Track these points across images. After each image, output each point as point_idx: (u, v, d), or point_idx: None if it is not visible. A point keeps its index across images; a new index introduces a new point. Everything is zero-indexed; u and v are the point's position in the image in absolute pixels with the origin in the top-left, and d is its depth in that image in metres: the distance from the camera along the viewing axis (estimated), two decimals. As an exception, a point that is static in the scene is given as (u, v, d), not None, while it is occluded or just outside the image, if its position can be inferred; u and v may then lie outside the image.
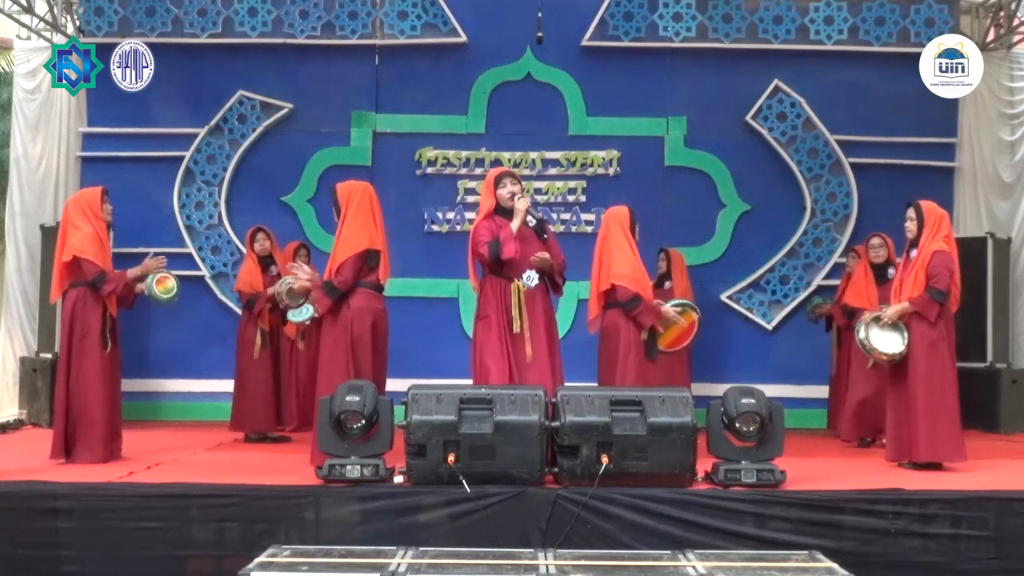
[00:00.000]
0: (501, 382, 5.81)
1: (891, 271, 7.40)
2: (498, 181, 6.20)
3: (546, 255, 6.08)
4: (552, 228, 8.98)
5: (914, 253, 6.27)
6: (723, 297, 9.10)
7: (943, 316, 6.14)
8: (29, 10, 8.71)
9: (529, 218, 6.16)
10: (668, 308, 6.43)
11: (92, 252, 6.11)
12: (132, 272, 6.34)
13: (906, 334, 6.16)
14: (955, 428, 6.05)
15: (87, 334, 6.09)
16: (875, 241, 7.76)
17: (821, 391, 8.64)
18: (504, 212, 6.13)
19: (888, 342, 6.23)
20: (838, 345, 8.18)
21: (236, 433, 7.59)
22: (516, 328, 6.00)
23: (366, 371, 5.76)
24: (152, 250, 8.83)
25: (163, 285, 6.41)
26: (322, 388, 5.69)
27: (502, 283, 6.09)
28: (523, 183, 6.36)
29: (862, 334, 6.28)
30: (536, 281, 6.08)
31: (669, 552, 4.52)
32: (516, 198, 6.11)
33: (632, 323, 6.14)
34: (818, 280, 9.08)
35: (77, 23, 9.11)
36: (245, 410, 7.55)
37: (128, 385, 8.62)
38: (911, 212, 6.38)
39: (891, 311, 6.22)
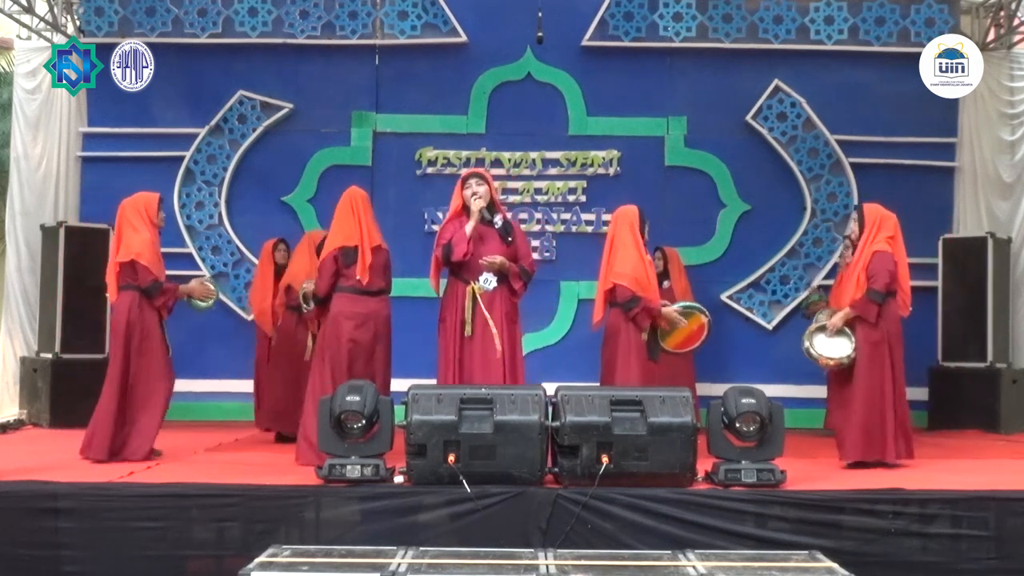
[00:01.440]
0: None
1: None
2: (465, 181, 6.18)
3: (497, 258, 5.99)
4: (552, 228, 9.06)
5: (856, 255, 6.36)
6: (723, 297, 9.10)
7: (885, 317, 6.18)
8: (29, 10, 8.71)
9: (497, 219, 6.11)
10: (670, 309, 6.41)
11: (149, 258, 6.19)
12: (183, 289, 6.50)
13: (853, 338, 6.23)
14: (899, 427, 6.15)
15: (147, 336, 6.19)
16: (845, 243, 7.87)
17: (821, 391, 8.62)
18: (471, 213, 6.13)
19: (834, 347, 6.31)
20: None
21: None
22: (467, 332, 5.96)
23: (346, 376, 5.75)
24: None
25: (204, 300, 6.67)
26: (310, 394, 5.87)
27: (459, 285, 6.07)
28: (493, 183, 6.30)
29: (805, 344, 6.38)
30: (494, 284, 6.00)
31: (669, 552, 4.52)
32: (473, 199, 6.07)
33: (632, 324, 6.13)
34: (818, 280, 9.07)
35: (77, 23, 9.11)
36: (285, 411, 7.49)
37: (128, 385, 8.66)
38: (854, 214, 6.50)
39: (835, 319, 6.30)
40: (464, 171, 6.62)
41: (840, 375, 6.38)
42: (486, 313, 5.95)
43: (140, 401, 6.12)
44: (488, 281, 5.99)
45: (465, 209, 6.14)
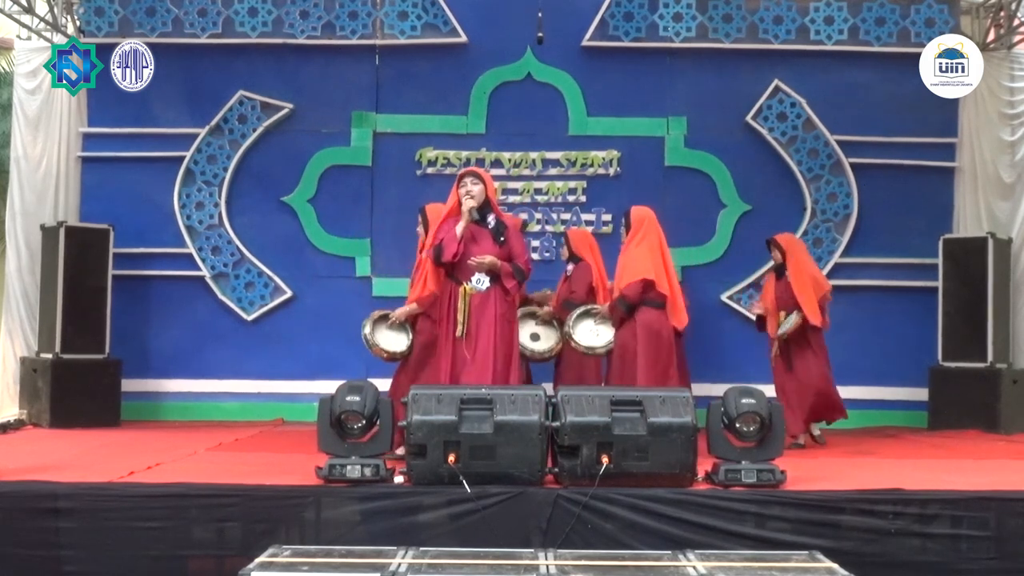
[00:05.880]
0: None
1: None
2: (460, 180, 6.16)
3: (486, 258, 5.94)
4: (552, 228, 9.05)
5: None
6: (723, 297, 9.09)
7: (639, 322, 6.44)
8: (29, 10, 8.70)
9: (490, 219, 6.09)
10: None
11: None
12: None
13: (612, 332, 6.61)
14: None
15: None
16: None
17: (821, 391, 8.61)
18: None
19: (589, 336, 6.72)
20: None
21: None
22: (459, 332, 5.93)
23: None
24: (153, 250, 8.95)
25: None
26: None
27: (452, 286, 6.05)
28: (491, 182, 6.29)
29: (569, 322, 6.74)
30: (486, 284, 5.96)
31: (669, 552, 4.51)
32: (465, 198, 6.02)
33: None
34: (819, 280, 9.08)
35: (77, 23, 9.10)
36: None
37: (128, 385, 8.69)
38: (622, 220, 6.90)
39: (603, 308, 6.72)
40: (462, 170, 6.61)
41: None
42: (471, 317, 5.98)
43: None
44: (480, 281, 5.97)
45: (460, 208, 6.14)
